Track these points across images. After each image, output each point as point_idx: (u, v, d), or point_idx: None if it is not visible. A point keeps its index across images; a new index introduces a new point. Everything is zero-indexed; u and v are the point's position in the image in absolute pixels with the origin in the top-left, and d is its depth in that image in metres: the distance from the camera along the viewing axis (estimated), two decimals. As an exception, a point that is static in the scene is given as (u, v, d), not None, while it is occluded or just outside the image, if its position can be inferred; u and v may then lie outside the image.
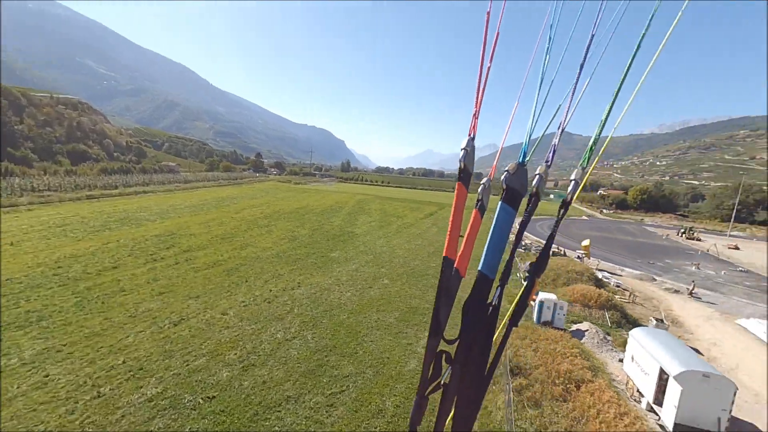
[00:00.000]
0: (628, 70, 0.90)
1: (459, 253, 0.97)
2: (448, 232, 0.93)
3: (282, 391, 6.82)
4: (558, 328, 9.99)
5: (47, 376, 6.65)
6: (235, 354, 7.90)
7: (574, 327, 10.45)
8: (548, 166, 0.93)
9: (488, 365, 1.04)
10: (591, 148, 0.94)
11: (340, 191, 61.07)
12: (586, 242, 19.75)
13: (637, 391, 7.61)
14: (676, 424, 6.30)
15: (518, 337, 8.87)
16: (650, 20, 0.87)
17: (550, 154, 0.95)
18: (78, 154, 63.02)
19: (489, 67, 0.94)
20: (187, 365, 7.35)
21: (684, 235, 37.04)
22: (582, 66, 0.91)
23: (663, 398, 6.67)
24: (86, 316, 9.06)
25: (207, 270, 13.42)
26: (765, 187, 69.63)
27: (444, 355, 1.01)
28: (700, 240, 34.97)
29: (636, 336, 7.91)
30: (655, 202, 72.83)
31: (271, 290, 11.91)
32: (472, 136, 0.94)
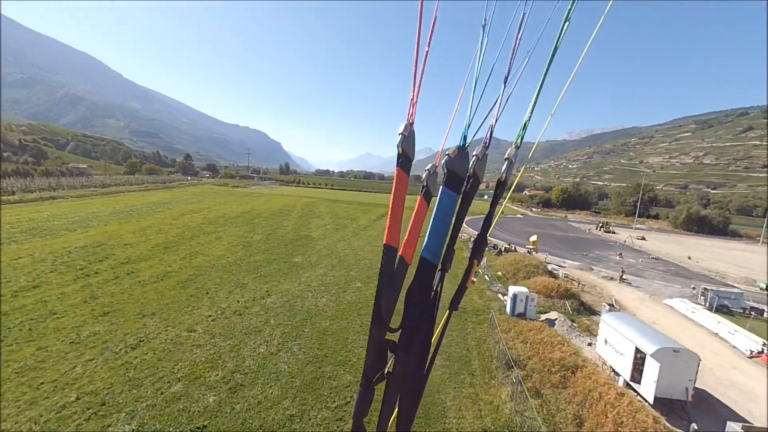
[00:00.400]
0: (544, 77, 0.94)
1: (404, 241, 0.97)
2: (388, 218, 0.90)
3: (282, 410, 6.20)
4: (531, 319, 10.63)
5: None
6: (217, 375, 7.02)
7: (543, 317, 11.22)
8: (486, 148, 0.93)
9: (431, 352, 1.04)
10: (525, 125, 0.95)
11: (284, 194, 58.71)
12: (533, 238, 21.40)
13: (613, 371, 8.38)
14: (655, 398, 7.04)
15: (503, 330, 9.22)
16: (560, 35, 0.91)
17: (488, 135, 0.95)
18: (-47, 153, 50.58)
19: (427, 52, 0.94)
20: (162, 393, 6.34)
21: (602, 228, 42.27)
22: (511, 63, 0.94)
23: (640, 376, 7.42)
24: (11, 348, 7.36)
25: (156, 283, 11.85)
26: (657, 187, 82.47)
27: (389, 344, 1.00)
28: (614, 233, 40.21)
29: (607, 321, 8.73)
30: (574, 201, 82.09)
31: (238, 301, 10.88)
32: (410, 121, 0.92)
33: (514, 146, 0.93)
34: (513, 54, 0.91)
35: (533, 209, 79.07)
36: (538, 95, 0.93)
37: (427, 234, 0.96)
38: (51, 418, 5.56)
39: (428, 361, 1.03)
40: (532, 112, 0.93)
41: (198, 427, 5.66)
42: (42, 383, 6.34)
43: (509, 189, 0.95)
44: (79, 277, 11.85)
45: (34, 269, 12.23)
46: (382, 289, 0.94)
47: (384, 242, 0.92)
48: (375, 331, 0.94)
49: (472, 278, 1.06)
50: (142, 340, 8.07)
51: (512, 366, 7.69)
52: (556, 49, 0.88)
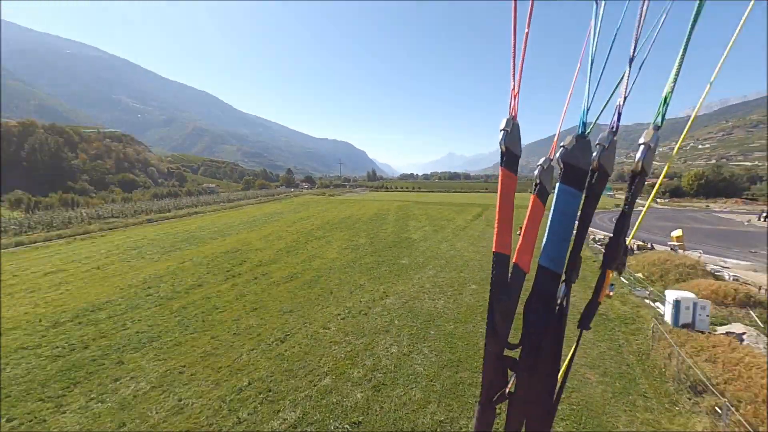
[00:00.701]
0: (688, 40, 0.71)
1: (518, 247, 0.88)
2: (497, 223, 0.84)
3: (430, 415, 6.06)
4: (703, 332, 8.66)
5: (180, 401, 6.27)
6: (359, 372, 7.26)
7: (721, 329, 9.05)
8: (614, 134, 0.78)
9: (561, 374, 0.90)
10: (666, 100, 0.75)
11: (376, 200, 60.76)
12: (677, 232, 17.92)
13: None
14: None
15: (677, 343, 7.67)
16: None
17: (614, 119, 0.79)
18: (128, 182, 66.69)
19: (527, 33, 0.81)
20: (315, 386, 6.78)
21: (767, 219, 33.59)
22: (639, 30, 0.76)
23: None
24: (193, 336, 8.78)
25: (287, 284, 13.07)
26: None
27: (508, 361, 0.88)
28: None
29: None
30: (714, 187, 67.37)
31: (360, 301, 11.31)
32: (513, 115, 0.82)
33: (652, 127, 0.76)
34: (641, 16, 0.74)
35: (658, 200, 67.19)
36: (681, 61, 0.72)
37: (545, 238, 0.86)
38: (233, 398, 6.36)
39: (558, 385, 0.92)
40: (675, 82, 0.73)
41: (354, 422, 5.86)
42: (220, 367, 7.34)
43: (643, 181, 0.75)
44: (228, 277, 13.77)
45: (195, 271, 14.66)
46: (496, 300, 0.86)
47: (494, 250, 0.85)
48: (491, 346, 0.86)
49: (608, 292, 0.84)
50: (288, 335, 8.86)
51: (703, 391, 6.25)
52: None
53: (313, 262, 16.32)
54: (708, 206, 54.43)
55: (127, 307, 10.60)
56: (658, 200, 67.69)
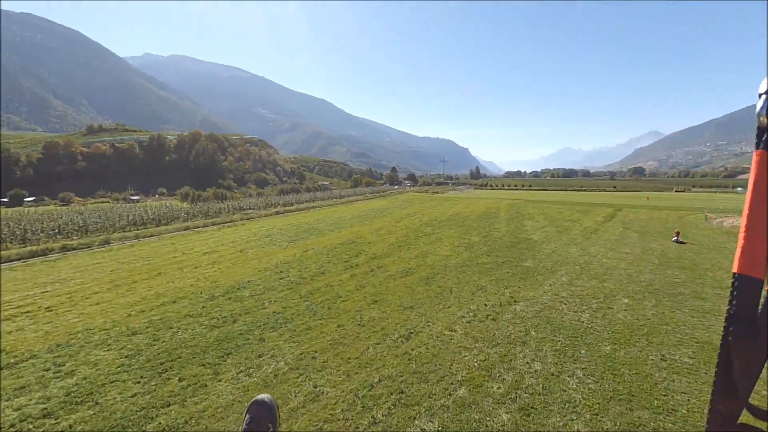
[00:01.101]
0: None
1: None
2: (743, 232, 0.64)
3: (606, 461, 4.73)
4: None
5: (316, 387, 6.25)
6: (499, 387, 6.25)
7: None
8: None
9: None
10: None
11: (482, 197, 57.70)
12: None
13: None
14: None
15: None
16: None
17: None
18: (261, 180, 78.77)
19: None
20: (450, 395, 6.05)
21: None
22: None
23: None
24: (321, 322, 9.01)
25: (403, 278, 12.74)
26: None
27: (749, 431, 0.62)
28: None
29: None
30: None
31: (486, 305, 10.20)
32: None
33: None
34: None
35: None
36: None
37: None
38: (366, 394, 6.06)
39: None
40: None
41: (504, 451, 4.92)
42: (349, 358, 7.22)
43: None
44: (346, 268, 14.20)
45: (317, 260, 15.60)
46: (736, 339, 0.61)
47: (735, 270, 0.63)
48: (722, 404, 0.64)
49: None
50: (412, 332, 8.36)
51: None
52: None
53: (426, 258, 15.77)
54: None
55: (265, 288, 11.65)
56: None
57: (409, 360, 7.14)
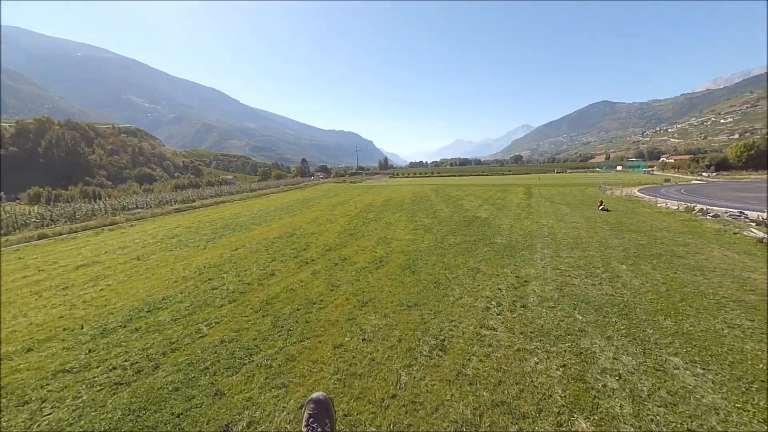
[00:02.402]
0: None
1: None
2: None
3: None
4: None
5: None
6: (620, 405, 4.35)
7: None
8: None
9: None
10: None
11: (401, 185, 57.76)
12: None
13: None
14: None
15: None
16: None
17: None
18: (144, 176, 65.01)
19: None
20: (548, 417, 3.91)
21: None
22: None
23: None
24: (304, 344, 5.99)
25: (379, 270, 10.24)
26: None
27: None
28: None
29: None
30: (765, 158, 62.29)
31: (499, 289, 8.41)
32: None
33: None
34: None
35: (703, 174, 62.51)
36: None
37: None
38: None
39: None
40: None
41: None
42: (383, 400, 4.52)
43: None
44: (301, 264, 11.00)
45: (256, 258, 11.93)
46: None
47: None
48: None
49: None
50: (443, 340, 6.00)
51: None
52: None
53: (390, 244, 13.46)
54: (772, 177, 49.84)
55: (194, 305, 7.88)
56: (703, 174, 63.01)
57: (472, 386, 4.78)
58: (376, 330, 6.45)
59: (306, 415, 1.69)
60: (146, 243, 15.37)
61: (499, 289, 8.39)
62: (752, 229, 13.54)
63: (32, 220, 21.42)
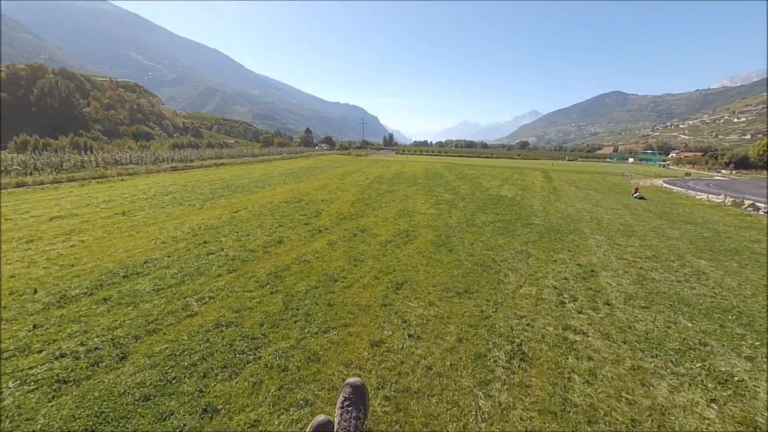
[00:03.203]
0: None
1: None
2: None
3: None
4: None
5: None
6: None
7: None
8: None
9: None
10: None
11: (409, 161, 55.65)
12: None
13: None
14: None
15: None
16: None
17: None
18: (142, 134, 62.19)
19: None
20: None
21: None
22: None
23: None
24: (329, 337, 4.37)
25: (408, 245, 8.56)
26: None
27: None
28: None
29: None
30: (789, 159, 60.10)
31: (565, 278, 6.78)
32: None
33: None
34: None
35: (722, 171, 60.43)
36: None
37: None
38: None
39: None
40: None
41: None
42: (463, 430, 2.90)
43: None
44: (313, 233, 9.31)
45: (260, 222, 10.21)
46: None
47: None
48: None
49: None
50: (518, 344, 4.39)
51: None
52: None
53: (413, 217, 11.74)
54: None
55: (183, 273, 6.21)
56: (722, 171, 60.93)
57: (593, 425, 3.16)
58: (423, 322, 4.82)
59: (342, 397, 1.71)
60: (135, 198, 13.61)
61: (565, 278, 6.74)
62: None
63: (14, 167, 19.51)
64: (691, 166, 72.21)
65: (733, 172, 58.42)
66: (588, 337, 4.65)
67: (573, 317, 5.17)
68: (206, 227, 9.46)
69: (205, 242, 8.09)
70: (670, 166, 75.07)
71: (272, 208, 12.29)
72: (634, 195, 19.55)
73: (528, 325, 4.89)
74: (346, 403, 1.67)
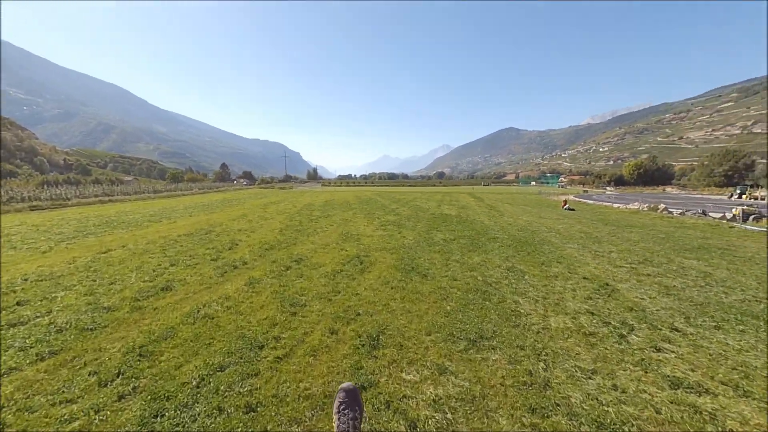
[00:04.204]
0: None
1: None
2: None
3: None
4: None
5: None
6: None
7: None
8: None
9: None
10: None
11: (339, 191, 53.86)
12: None
13: None
14: None
15: None
16: None
17: None
18: (5, 172, 49.14)
19: None
20: None
21: (745, 196, 34.59)
22: None
23: None
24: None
25: (366, 274, 6.18)
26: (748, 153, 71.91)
27: None
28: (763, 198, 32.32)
29: None
30: (651, 176, 72.88)
31: (589, 298, 5.04)
32: None
33: None
34: None
35: (608, 187, 70.44)
36: None
37: None
38: None
39: None
40: None
41: None
42: None
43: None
44: (225, 270, 6.36)
45: (141, 263, 6.87)
46: None
47: None
48: None
49: None
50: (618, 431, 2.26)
51: None
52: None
53: (361, 241, 9.42)
54: (664, 190, 57.39)
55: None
56: (607, 188, 71.02)
57: None
58: (445, 418, 2.43)
59: (337, 402, 1.73)
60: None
61: (588, 297, 5.00)
62: (746, 226, 12.62)
63: None
64: (583, 185, 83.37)
65: (616, 188, 68.66)
66: (716, 395, 2.74)
67: (659, 359, 3.29)
68: (38, 278, 5.85)
69: (18, 303, 4.65)
70: (567, 186, 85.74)
71: (165, 244, 8.86)
72: (564, 207, 19.96)
73: (613, 387, 2.83)
74: (342, 407, 1.65)
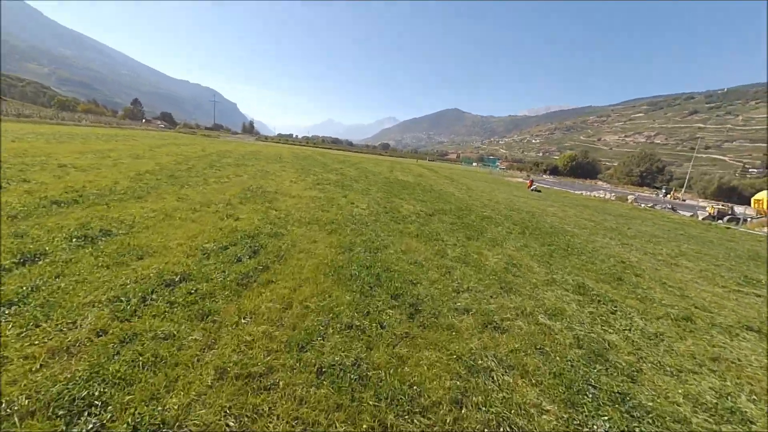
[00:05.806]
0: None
1: None
2: None
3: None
4: None
5: None
6: None
7: None
8: None
9: None
10: None
11: (272, 145, 47.50)
12: (762, 195, 13.77)
13: None
14: None
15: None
16: None
17: None
18: None
19: None
20: None
21: (669, 195, 37.18)
22: None
23: None
24: None
25: (261, 291, 2.30)
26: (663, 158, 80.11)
27: None
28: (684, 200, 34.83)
29: None
30: (583, 168, 77.66)
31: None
32: None
33: None
34: None
35: (543, 175, 73.52)
36: None
37: None
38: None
39: None
40: None
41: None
42: None
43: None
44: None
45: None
46: None
47: None
48: None
49: None
50: None
51: None
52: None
53: (275, 204, 5.43)
54: (596, 183, 60.76)
55: None
56: (544, 176, 74.30)
57: None
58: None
59: None
60: None
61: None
62: (732, 226, 11.16)
63: None
64: (520, 171, 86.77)
65: (553, 177, 72.08)
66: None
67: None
68: None
69: None
70: (506, 170, 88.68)
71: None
72: (530, 188, 17.73)
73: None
74: None
